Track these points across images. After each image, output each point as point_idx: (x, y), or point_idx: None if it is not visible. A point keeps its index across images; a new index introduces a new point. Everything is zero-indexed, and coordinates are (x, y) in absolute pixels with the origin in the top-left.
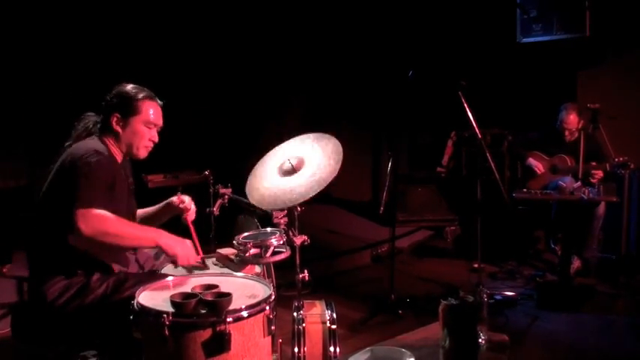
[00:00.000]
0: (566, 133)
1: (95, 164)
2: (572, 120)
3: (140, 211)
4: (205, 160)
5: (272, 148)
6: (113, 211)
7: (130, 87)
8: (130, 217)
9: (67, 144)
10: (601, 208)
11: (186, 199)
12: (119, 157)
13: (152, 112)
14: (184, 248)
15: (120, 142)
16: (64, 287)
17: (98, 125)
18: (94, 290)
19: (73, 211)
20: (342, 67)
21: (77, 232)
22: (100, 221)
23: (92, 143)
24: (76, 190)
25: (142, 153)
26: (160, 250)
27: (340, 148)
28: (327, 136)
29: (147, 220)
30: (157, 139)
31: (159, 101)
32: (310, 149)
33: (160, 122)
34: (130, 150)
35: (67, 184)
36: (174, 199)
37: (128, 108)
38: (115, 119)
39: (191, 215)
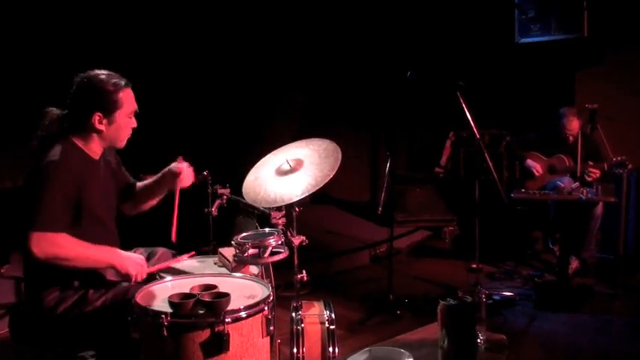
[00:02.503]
0: (571, 138)
1: (53, 177)
2: (575, 126)
3: (139, 184)
4: (203, 161)
5: (270, 149)
6: (88, 212)
7: (102, 78)
8: (112, 206)
9: (32, 143)
10: (599, 208)
11: (185, 164)
12: (97, 154)
13: (131, 100)
14: (136, 266)
15: (102, 140)
16: (60, 297)
17: (65, 123)
18: (91, 303)
19: (28, 232)
20: (341, 68)
21: (30, 255)
22: (53, 246)
23: (51, 154)
24: (33, 211)
25: (124, 144)
26: (114, 269)
27: (339, 154)
28: (327, 141)
29: (146, 192)
30: (136, 125)
31: (130, 84)
32: (309, 152)
33: (136, 105)
34: (113, 145)
35: (28, 200)
36: (174, 165)
37: (109, 104)
38: (98, 118)
39: (185, 181)
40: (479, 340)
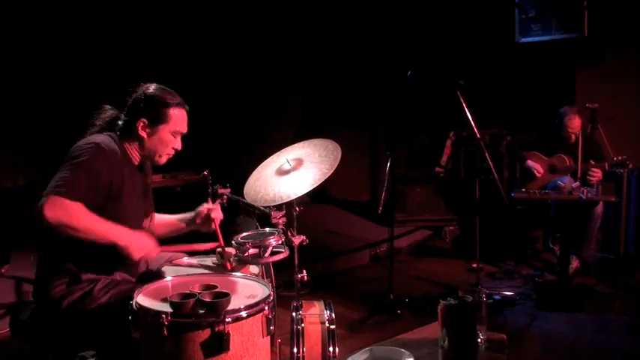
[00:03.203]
0: (572, 137)
1: (89, 156)
2: (576, 124)
3: (164, 217)
4: (204, 160)
5: (270, 149)
6: (114, 211)
7: (159, 91)
8: (141, 218)
9: (84, 134)
10: (599, 208)
11: (212, 206)
12: (136, 159)
13: (181, 120)
14: (143, 249)
15: (142, 148)
16: (67, 290)
17: (119, 122)
18: (96, 299)
19: (45, 194)
20: (341, 68)
21: (40, 217)
22: (65, 212)
23: (97, 137)
24: (56, 178)
25: (163, 160)
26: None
27: (338, 152)
28: (327, 140)
29: (168, 227)
30: (180, 147)
31: (186, 107)
32: (309, 152)
33: (186, 130)
34: (151, 157)
35: (58, 171)
36: (202, 209)
37: (157, 115)
38: (142, 124)
39: (218, 215)
40: (479, 340)
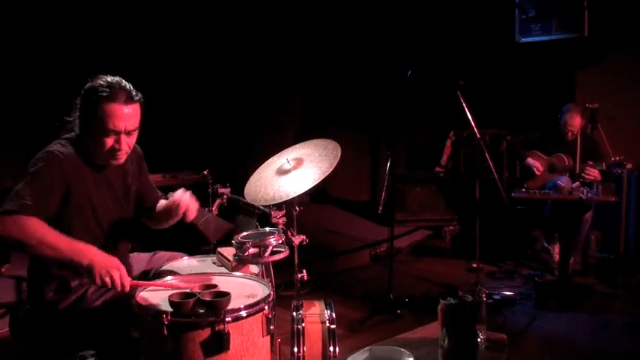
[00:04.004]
0: (569, 134)
1: (42, 167)
2: (576, 122)
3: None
4: (204, 160)
5: (271, 148)
6: (78, 209)
7: (98, 83)
8: (121, 224)
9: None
10: (588, 214)
11: (180, 195)
12: (98, 161)
13: (111, 116)
14: (107, 265)
15: (87, 146)
16: (61, 295)
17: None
18: (91, 303)
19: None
20: (341, 68)
21: None
22: (18, 228)
23: (53, 145)
24: (14, 190)
25: (110, 160)
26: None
27: (338, 152)
28: (327, 140)
29: (159, 215)
30: (124, 147)
31: (130, 98)
32: (309, 151)
33: (126, 127)
34: (94, 156)
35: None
36: (176, 199)
37: (88, 110)
38: (80, 122)
39: (190, 215)
40: (479, 340)
